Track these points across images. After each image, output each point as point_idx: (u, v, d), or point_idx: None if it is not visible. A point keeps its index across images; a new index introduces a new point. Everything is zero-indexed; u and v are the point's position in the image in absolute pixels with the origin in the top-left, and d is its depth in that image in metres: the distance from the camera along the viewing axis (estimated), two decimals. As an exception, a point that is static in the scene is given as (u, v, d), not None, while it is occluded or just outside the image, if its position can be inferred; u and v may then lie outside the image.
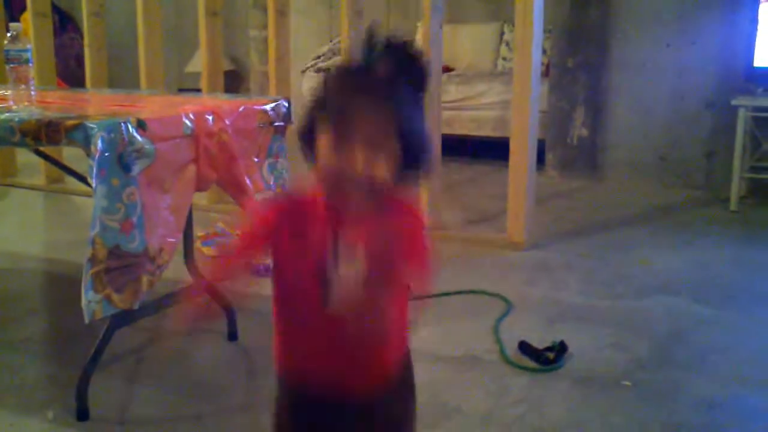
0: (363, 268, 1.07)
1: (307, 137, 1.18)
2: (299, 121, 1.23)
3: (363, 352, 1.18)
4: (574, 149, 4.86)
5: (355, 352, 1.17)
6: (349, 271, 1.08)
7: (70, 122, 1.85)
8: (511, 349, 2.32)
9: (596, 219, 3.92)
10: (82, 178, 2.44)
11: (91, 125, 1.82)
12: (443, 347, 2.37)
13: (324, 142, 1.13)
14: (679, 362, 2.27)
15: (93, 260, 1.80)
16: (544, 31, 3.51)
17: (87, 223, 1.82)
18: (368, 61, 1.15)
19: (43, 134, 1.88)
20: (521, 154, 3.32)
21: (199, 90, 4.63)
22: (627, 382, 2.13)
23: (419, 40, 6.11)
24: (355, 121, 1.11)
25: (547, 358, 2.23)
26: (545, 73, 4.66)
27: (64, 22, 8.17)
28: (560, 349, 2.27)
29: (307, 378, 1.23)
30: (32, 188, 4.71)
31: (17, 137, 1.91)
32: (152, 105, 2.45)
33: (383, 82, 1.14)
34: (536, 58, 3.28)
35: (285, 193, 1.31)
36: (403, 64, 1.15)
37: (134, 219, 1.86)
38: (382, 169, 1.12)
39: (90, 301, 1.79)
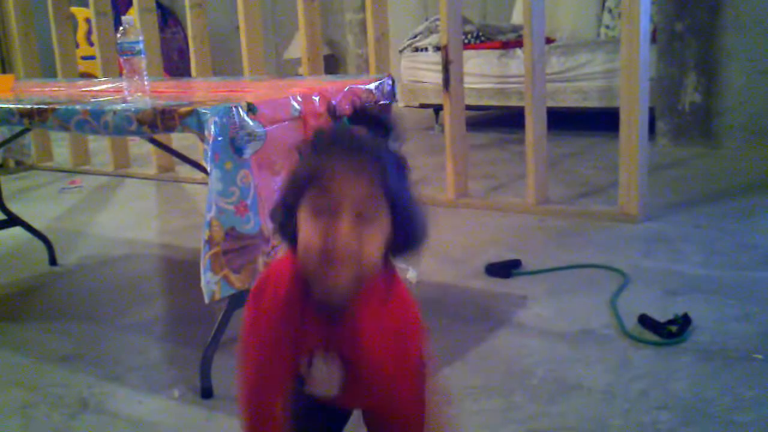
0: (340, 374, 1.06)
1: (285, 220, 1.07)
2: (275, 203, 1.11)
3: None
4: (686, 116, 4.67)
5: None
6: (324, 373, 1.07)
7: (184, 109, 1.89)
8: (631, 324, 2.25)
9: (713, 188, 3.75)
10: (196, 164, 2.49)
11: (204, 111, 1.85)
12: (559, 323, 2.31)
13: (306, 216, 1.02)
14: (813, 334, 2.15)
15: (210, 242, 1.84)
16: (650, -5, 3.37)
17: (199, 209, 1.86)
18: (341, 127, 1.06)
19: (158, 122, 1.92)
20: (632, 123, 3.21)
21: (299, 76, 4.68)
22: (758, 355, 2.03)
23: (520, 12, 6.01)
24: (342, 185, 1.00)
25: (669, 332, 2.15)
26: (652, 39, 4.48)
27: (166, 17, 8.43)
28: (683, 322, 2.18)
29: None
30: (145, 178, 4.88)
31: (134, 126, 1.96)
32: (259, 89, 2.48)
33: (366, 140, 1.03)
34: (644, 24, 3.16)
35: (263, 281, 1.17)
36: (375, 125, 1.06)
37: (248, 201, 1.89)
38: (374, 245, 1.01)
39: (209, 282, 1.84)
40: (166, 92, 2.41)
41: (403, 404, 1.13)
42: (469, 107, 4.47)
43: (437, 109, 5.73)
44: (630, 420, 1.77)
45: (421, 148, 5.09)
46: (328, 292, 1.03)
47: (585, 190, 3.83)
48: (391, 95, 2.39)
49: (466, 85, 3.86)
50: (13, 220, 3.16)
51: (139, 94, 2.33)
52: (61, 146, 5.67)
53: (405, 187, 1.06)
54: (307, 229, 1.00)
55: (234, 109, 1.87)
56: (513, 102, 5.44)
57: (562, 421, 1.78)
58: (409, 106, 6.07)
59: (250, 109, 1.91)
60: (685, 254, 2.85)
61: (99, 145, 5.63)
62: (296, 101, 2.04)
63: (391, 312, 1.09)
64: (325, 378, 1.08)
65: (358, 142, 1.02)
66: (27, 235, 3.24)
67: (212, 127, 1.83)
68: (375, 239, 1.01)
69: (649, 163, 3.39)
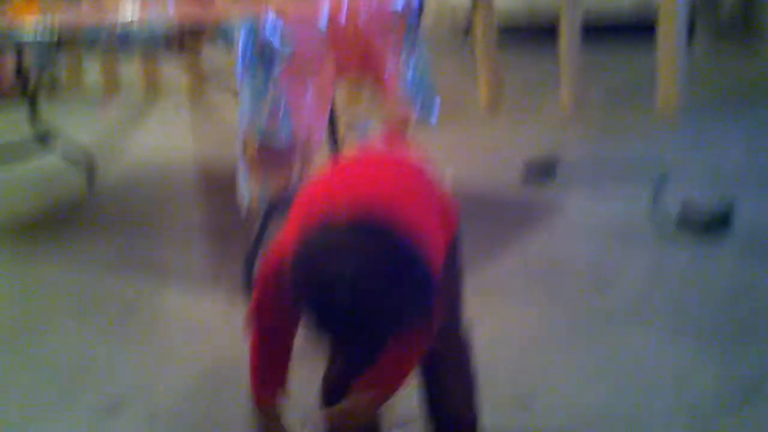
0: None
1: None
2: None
3: None
4: (726, 16, 4.52)
5: None
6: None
7: (212, 24, 1.88)
8: (672, 218, 2.22)
9: (754, 86, 3.65)
10: (226, 86, 2.49)
11: (232, 26, 1.85)
12: (601, 220, 2.31)
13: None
14: None
15: (245, 153, 1.85)
16: None
17: (233, 126, 1.87)
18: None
19: (187, 39, 1.92)
20: (671, 24, 3.13)
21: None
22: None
23: None
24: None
25: (711, 225, 2.13)
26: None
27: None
28: (726, 214, 2.15)
29: None
30: (177, 96, 4.86)
31: (162, 43, 1.96)
32: (287, 3, 2.44)
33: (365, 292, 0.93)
34: None
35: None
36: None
37: (280, 112, 1.89)
38: None
39: (245, 191, 1.86)
40: (194, 9, 2.38)
41: None
42: (500, 27, 4.36)
43: (467, 28, 5.59)
44: (671, 308, 1.78)
45: (452, 64, 5.01)
46: None
47: (623, 94, 3.76)
48: (420, 9, 2.34)
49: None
50: (50, 139, 3.19)
51: (165, 12, 2.30)
52: (91, 74, 5.67)
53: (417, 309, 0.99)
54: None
55: (262, 22, 1.85)
56: (543, 18, 5.28)
57: (603, 311, 1.80)
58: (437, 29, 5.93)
59: (278, 23, 1.89)
60: (726, 149, 2.80)
61: (129, 77, 5.62)
62: (323, 14, 2.02)
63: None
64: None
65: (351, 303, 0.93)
66: (65, 154, 3.27)
67: (240, 41, 1.83)
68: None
69: (687, 64, 3.31)
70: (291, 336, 1.15)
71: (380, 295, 0.93)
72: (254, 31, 1.84)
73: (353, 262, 0.94)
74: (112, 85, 5.27)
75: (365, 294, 0.93)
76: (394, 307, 0.95)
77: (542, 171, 2.71)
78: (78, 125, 4.48)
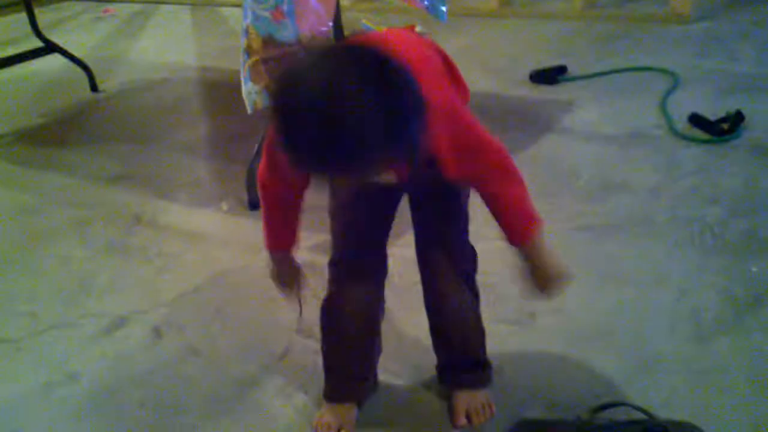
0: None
1: None
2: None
3: None
4: None
5: None
6: None
7: None
8: (681, 123, 2.19)
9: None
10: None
11: None
12: (606, 126, 2.27)
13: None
14: None
15: (249, 51, 1.80)
16: None
17: (235, 31, 1.83)
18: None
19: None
20: None
21: None
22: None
23: None
24: (318, 170, 0.94)
25: (721, 129, 2.09)
26: None
27: None
28: (736, 119, 2.11)
29: None
30: (178, 3, 4.77)
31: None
32: None
33: (342, 102, 0.83)
34: None
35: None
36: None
37: (284, 7, 1.83)
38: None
39: (250, 92, 1.82)
40: None
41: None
42: None
43: None
44: (677, 214, 1.76)
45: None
46: None
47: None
48: None
49: None
50: (51, 49, 3.13)
51: None
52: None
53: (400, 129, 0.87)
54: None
55: None
56: None
57: (607, 219, 1.78)
58: None
59: None
60: (739, 53, 2.73)
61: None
62: None
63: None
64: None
65: (330, 112, 0.83)
66: (66, 63, 3.22)
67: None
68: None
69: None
70: (299, 195, 1.16)
71: (353, 103, 0.83)
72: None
73: (327, 67, 0.85)
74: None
75: (335, 99, 0.83)
76: (370, 120, 0.83)
77: (548, 76, 2.66)
78: (80, 29, 4.41)
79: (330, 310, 1.24)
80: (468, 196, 1.20)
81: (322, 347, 1.27)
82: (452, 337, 1.25)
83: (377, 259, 1.24)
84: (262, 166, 1.15)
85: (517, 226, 1.09)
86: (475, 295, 1.24)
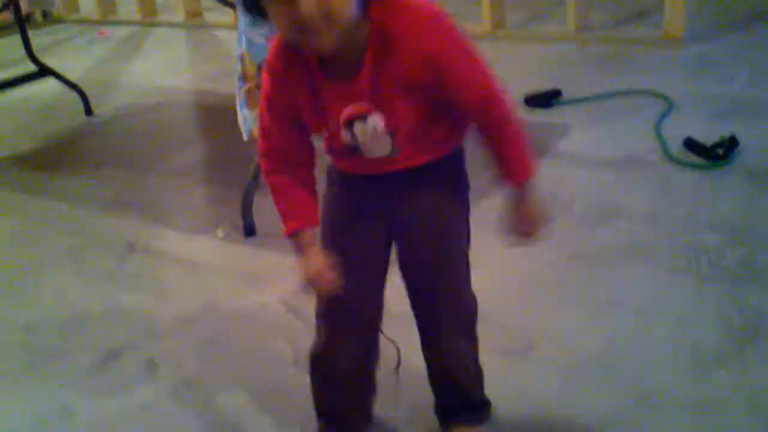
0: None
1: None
2: None
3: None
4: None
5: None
6: (369, 133, 1.02)
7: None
8: (676, 148, 2.20)
9: (762, 7, 3.56)
10: (224, 1, 2.42)
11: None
12: (601, 150, 2.27)
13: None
14: None
15: (244, 78, 1.80)
16: None
17: (230, 55, 1.81)
18: None
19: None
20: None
21: None
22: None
23: None
24: None
25: (716, 154, 2.10)
26: None
27: None
28: (730, 144, 2.12)
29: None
30: (172, 25, 4.77)
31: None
32: None
33: None
34: None
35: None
36: None
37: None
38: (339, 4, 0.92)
39: (246, 119, 1.82)
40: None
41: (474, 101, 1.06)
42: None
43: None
44: (676, 241, 1.75)
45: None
46: (321, 53, 0.98)
47: (628, 15, 3.66)
48: None
49: None
50: (46, 72, 3.13)
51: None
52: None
53: None
54: (273, 12, 0.94)
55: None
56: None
57: (604, 245, 1.78)
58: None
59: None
60: (732, 76, 2.74)
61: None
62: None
63: (405, 34, 1.00)
64: (373, 137, 1.02)
65: None
66: (60, 87, 3.22)
67: (236, -42, 1.75)
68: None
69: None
70: (305, 147, 1.09)
71: None
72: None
73: None
74: (107, 9, 5.16)
75: None
76: None
77: (543, 100, 2.66)
78: (74, 52, 4.41)
79: (318, 364, 1.20)
80: (469, 236, 1.16)
81: (312, 395, 1.23)
82: (450, 384, 1.23)
83: (371, 308, 1.17)
84: (260, 124, 1.10)
85: (519, 164, 1.06)
86: (474, 340, 1.21)
